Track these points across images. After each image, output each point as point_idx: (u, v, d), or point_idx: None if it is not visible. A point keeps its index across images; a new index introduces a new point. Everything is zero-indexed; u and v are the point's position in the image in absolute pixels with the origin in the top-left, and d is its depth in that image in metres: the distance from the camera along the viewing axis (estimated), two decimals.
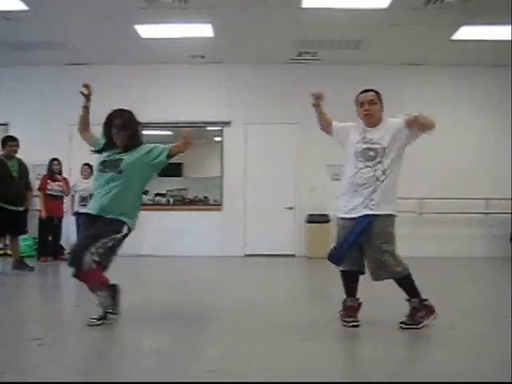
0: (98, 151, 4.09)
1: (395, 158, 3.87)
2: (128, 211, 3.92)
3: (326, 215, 9.34)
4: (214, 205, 10.14)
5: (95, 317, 3.81)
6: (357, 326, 3.86)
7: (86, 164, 8.85)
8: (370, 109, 3.97)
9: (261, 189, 9.67)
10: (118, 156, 3.95)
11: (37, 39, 8.35)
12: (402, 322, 3.82)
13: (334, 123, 4.33)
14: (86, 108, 4.20)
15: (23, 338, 3.63)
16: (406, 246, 8.04)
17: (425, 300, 3.85)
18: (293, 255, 9.60)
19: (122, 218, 3.86)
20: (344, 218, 3.96)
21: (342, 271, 4.02)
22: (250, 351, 3.35)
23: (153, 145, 4.07)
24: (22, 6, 6.99)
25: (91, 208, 3.96)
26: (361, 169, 3.90)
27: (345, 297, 4.07)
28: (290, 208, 9.74)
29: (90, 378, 2.83)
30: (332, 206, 9.42)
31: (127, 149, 3.97)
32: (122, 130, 3.95)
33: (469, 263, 8.53)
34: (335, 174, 9.67)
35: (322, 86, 9.58)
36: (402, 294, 3.89)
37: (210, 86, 9.75)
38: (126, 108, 4.09)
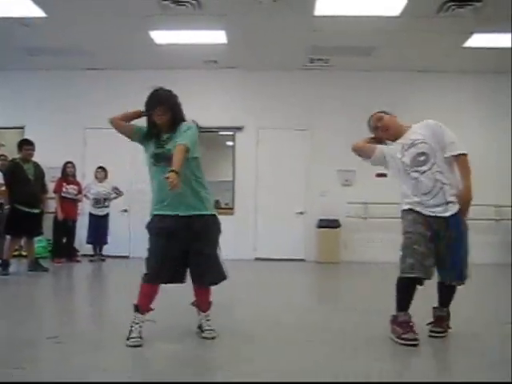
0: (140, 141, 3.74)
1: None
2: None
3: (336, 220, 9.41)
4: (225, 208, 10.22)
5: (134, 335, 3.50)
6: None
7: (100, 167, 9.00)
8: (384, 125, 3.87)
9: (272, 193, 9.74)
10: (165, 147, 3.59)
11: (54, 45, 8.51)
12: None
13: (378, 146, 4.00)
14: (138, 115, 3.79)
15: (40, 336, 3.73)
16: None
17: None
18: (303, 260, 9.65)
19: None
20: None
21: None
22: (258, 351, 3.43)
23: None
24: (41, 13, 7.15)
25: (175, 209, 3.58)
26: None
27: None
28: (301, 213, 9.80)
29: (108, 373, 2.92)
30: (342, 211, 9.60)
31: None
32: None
33: (477, 270, 8.51)
34: (346, 180, 9.75)
35: (334, 92, 9.77)
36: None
37: (223, 92, 9.86)
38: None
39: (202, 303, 3.82)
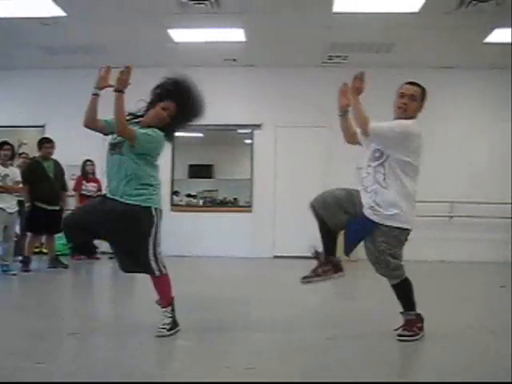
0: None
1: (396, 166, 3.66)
2: None
3: None
4: (244, 206, 10.23)
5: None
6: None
7: None
8: (408, 104, 3.73)
9: (290, 191, 9.70)
10: None
11: (73, 43, 8.58)
12: (399, 335, 3.63)
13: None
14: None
15: (60, 332, 3.78)
16: (436, 249, 7.97)
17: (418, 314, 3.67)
18: None
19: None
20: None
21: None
22: (279, 350, 3.43)
23: None
24: (61, 13, 7.21)
25: None
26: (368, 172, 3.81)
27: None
28: None
29: (124, 370, 2.94)
30: None
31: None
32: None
33: (496, 268, 8.40)
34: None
35: None
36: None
37: (242, 89, 9.86)
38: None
39: (158, 295, 3.74)
